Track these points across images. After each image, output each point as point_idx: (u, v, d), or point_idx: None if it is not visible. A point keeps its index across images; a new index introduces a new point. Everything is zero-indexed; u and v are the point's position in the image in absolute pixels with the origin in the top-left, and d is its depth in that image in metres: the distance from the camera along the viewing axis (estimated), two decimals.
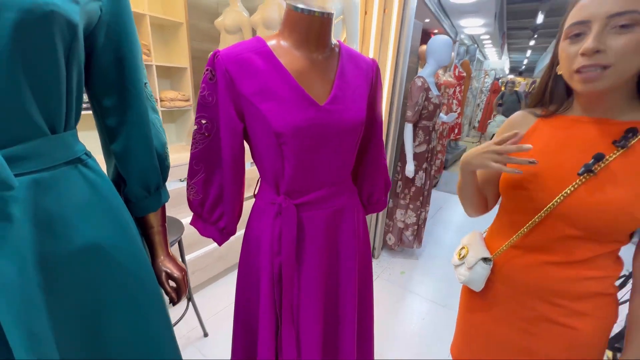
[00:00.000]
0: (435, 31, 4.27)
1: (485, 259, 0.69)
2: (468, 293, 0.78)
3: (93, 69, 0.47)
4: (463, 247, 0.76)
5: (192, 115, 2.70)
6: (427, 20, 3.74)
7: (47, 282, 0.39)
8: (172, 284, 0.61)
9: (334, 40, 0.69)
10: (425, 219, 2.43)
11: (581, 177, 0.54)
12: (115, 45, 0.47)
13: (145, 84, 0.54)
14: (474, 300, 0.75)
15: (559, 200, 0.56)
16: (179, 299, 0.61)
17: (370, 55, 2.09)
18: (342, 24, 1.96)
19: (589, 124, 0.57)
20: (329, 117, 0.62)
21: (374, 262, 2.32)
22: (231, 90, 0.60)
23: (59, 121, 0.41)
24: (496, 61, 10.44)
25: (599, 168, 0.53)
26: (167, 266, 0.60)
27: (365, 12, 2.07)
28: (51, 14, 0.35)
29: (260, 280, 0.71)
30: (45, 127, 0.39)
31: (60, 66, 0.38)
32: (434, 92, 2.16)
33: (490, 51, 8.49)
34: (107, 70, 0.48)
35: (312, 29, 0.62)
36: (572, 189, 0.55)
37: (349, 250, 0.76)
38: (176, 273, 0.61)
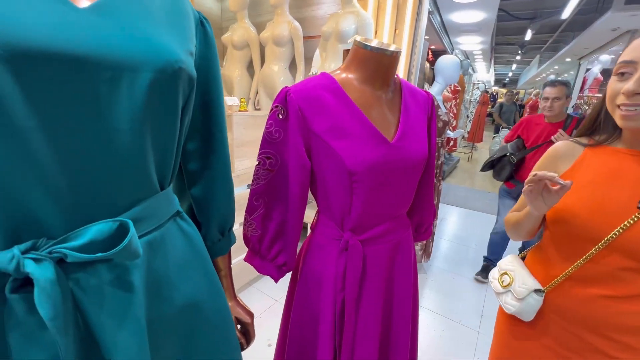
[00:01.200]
0: (432, 47, 4.40)
1: (537, 291, 0.67)
2: (511, 319, 0.76)
3: (187, 112, 0.45)
4: (505, 274, 0.73)
5: None
6: (426, 37, 3.87)
7: (152, 347, 0.36)
8: (239, 328, 0.59)
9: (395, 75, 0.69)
10: (433, 233, 2.45)
11: None
12: (204, 89, 0.46)
13: (225, 126, 0.52)
14: (520, 328, 0.73)
15: (618, 233, 0.55)
16: (248, 345, 0.58)
17: None
18: None
19: (638, 157, 0.58)
20: (398, 153, 0.62)
21: None
22: (302, 128, 0.59)
23: (167, 176, 0.38)
24: (484, 74, 10.81)
25: None
26: (237, 311, 0.57)
27: (376, 32, 2.11)
28: (179, 71, 0.33)
29: (320, 317, 0.69)
30: (157, 184, 0.37)
31: (177, 122, 0.36)
32: (442, 109, 2.20)
33: (480, 65, 8.80)
34: (194, 114, 0.46)
35: (380, 67, 0.62)
36: (632, 221, 0.54)
37: (405, 283, 0.75)
38: (246, 318, 0.58)
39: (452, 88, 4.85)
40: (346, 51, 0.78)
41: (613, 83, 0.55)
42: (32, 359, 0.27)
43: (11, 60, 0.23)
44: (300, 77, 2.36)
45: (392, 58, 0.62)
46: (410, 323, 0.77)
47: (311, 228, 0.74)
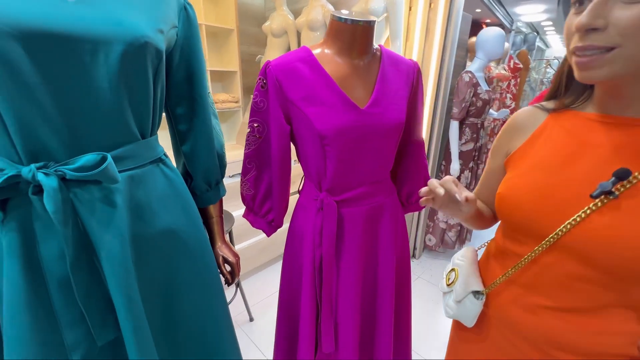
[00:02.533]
0: (488, 21, 4.00)
1: (475, 293, 0.56)
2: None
3: (169, 84, 0.57)
4: (453, 270, 0.63)
5: (241, 116, 2.88)
6: (478, 11, 3.52)
7: (137, 259, 0.48)
8: (227, 267, 0.70)
9: (375, 45, 0.72)
10: None
11: (596, 201, 0.40)
12: (187, 64, 0.56)
13: (208, 93, 0.63)
14: (465, 329, 0.62)
15: (564, 230, 0.42)
16: (233, 281, 0.70)
17: (415, 51, 2.05)
18: (386, 22, 1.96)
19: (611, 126, 0.43)
20: (370, 119, 0.66)
21: (414, 263, 2.28)
22: (280, 96, 0.67)
23: (147, 129, 0.50)
24: (561, 49, 9.40)
25: (622, 189, 0.39)
26: (224, 251, 0.69)
27: (410, 8, 2.04)
28: (145, 45, 0.44)
29: (302, 271, 0.78)
30: (138, 134, 0.49)
31: (150, 85, 0.47)
32: (484, 87, 2.05)
33: (553, 38, 7.68)
34: (180, 84, 0.57)
35: (355, 37, 0.66)
36: (583, 215, 0.41)
37: (387, 247, 0.79)
38: (231, 258, 0.69)
39: (512, 65, 4.38)
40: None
41: (569, 19, 0.40)
42: (55, 242, 0.41)
43: (20, 37, 0.36)
44: None
45: (365, 28, 0.65)
46: (392, 289, 0.81)
47: (298, 191, 0.82)
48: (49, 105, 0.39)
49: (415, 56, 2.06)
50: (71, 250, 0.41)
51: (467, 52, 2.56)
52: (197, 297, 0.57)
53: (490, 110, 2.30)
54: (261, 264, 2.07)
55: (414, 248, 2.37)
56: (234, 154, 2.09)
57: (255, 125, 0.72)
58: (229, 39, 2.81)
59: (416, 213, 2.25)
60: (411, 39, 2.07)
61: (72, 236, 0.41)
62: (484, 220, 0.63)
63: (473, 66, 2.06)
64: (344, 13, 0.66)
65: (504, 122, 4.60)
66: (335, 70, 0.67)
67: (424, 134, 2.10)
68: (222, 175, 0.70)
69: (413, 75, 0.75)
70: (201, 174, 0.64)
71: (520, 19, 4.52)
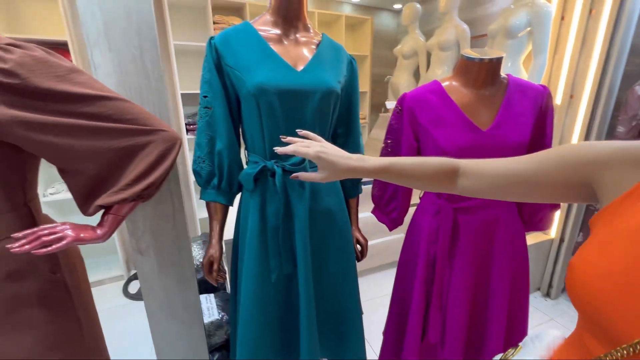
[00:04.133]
0: None
1: None
2: None
3: (336, 112, 0.85)
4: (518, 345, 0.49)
5: (367, 132, 3.18)
6: None
7: (309, 224, 0.77)
8: (358, 247, 0.94)
9: (503, 75, 0.82)
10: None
11: None
12: (349, 99, 0.83)
13: (359, 116, 0.89)
14: None
15: None
16: (362, 257, 0.92)
17: (565, 64, 1.85)
18: (528, 37, 1.86)
19: None
20: (491, 140, 0.77)
21: (549, 303, 2.00)
22: (412, 120, 0.86)
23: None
24: None
25: None
26: (357, 235, 0.93)
27: (563, 18, 1.86)
28: (331, 91, 0.72)
29: (417, 265, 0.93)
30: None
31: (330, 113, 0.76)
32: None
33: None
34: (343, 112, 0.84)
35: (481, 72, 0.79)
36: None
37: (502, 259, 0.85)
38: (362, 240, 0.92)
39: None
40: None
41: None
42: (273, 205, 0.74)
43: (277, 93, 0.68)
44: None
45: (492, 64, 0.77)
46: (506, 302, 0.85)
47: (419, 196, 0.98)
48: (283, 127, 0.71)
49: (565, 70, 1.86)
50: (282, 210, 0.73)
51: None
52: (339, 260, 0.82)
53: None
54: (374, 267, 2.26)
55: (549, 286, 2.07)
56: None
57: (389, 141, 0.94)
58: (363, 63, 3.18)
59: (556, 249, 1.98)
60: (561, 52, 1.88)
61: (284, 202, 0.73)
62: (437, 182, 0.55)
63: None
64: (473, 53, 0.80)
65: None
66: (461, 98, 0.81)
67: None
68: (361, 178, 0.94)
69: (542, 100, 0.80)
70: None
71: None
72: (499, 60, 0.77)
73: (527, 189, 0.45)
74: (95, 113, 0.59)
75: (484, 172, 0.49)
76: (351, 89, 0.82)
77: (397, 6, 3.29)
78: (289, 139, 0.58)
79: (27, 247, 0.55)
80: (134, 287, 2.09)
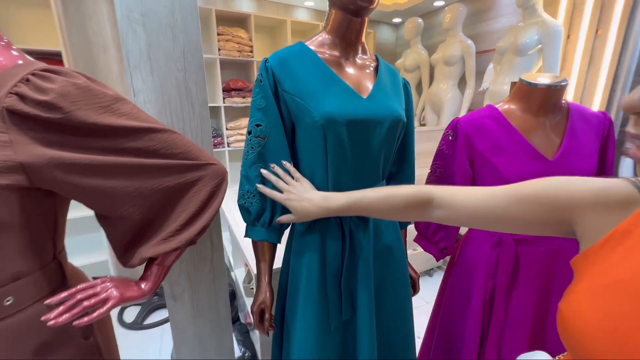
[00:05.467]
0: None
1: None
2: None
3: (399, 141, 0.77)
4: None
5: None
6: None
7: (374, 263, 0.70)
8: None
9: (562, 101, 0.79)
10: None
11: None
12: (407, 122, 0.77)
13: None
14: None
15: None
16: (414, 293, 0.85)
17: (572, 83, 1.89)
18: (538, 54, 1.89)
19: None
20: (559, 169, 0.73)
21: None
22: (468, 147, 0.81)
23: (385, 172, 0.73)
24: None
25: None
26: (409, 270, 0.86)
27: (569, 36, 1.90)
28: (399, 120, 0.66)
29: (470, 300, 0.87)
30: (381, 175, 0.71)
31: (395, 143, 0.70)
32: None
33: None
34: (401, 142, 0.78)
35: (544, 99, 0.75)
36: None
37: (563, 291, 0.81)
38: (414, 275, 0.86)
39: None
40: (513, 83, 0.92)
41: None
42: (334, 245, 0.66)
43: (345, 123, 0.61)
44: (469, 92, 2.41)
45: (556, 91, 0.74)
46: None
47: None
48: (350, 161, 0.64)
49: (572, 88, 1.90)
50: (347, 250, 0.65)
51: None
52: (397, 301, 0.75)
53: None
54: None
55: None
56: None
57: (439, 168, 0.88)
58: None
59: None
60: (567, 69, 1.92)
61: (349, 241, 0.66)
62: (406, 213, 0.55)
63: None
64: (534, 78, 0.76)
65: None
66: (522, 124, 0.77)
67: None
68: None
69: (604, 127, 0.78)
70: None
71: None
72: (563, 87, 0.74)
73: (503, 224, 0.45)
74: (142, 148, 0.51)
75: (460, 205, 0.49)
76: (408, 112, 0.76)
77: (397, 20, 3.32)
78: (264, 172, 0.64)
79: (66, 316, 0.45)
80: (129, 315, 1.93)
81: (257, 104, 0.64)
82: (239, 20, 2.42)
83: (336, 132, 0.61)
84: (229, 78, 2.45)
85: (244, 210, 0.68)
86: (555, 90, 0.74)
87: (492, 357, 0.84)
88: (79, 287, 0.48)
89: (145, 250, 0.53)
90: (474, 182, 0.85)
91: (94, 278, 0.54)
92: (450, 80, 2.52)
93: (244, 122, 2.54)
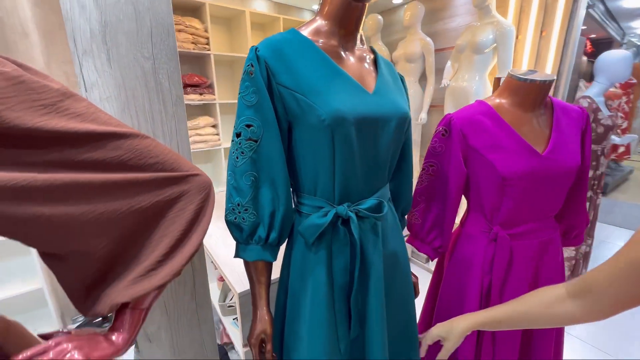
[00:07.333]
0: (592, 36, 3.69)
1: None
2: None
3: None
4: None
5: None
6: (583, 28, 3.30)
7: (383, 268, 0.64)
8: None
9: None
10: (587, 254, 2.14)
11: None
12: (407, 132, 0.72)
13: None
14: None
15: None
16: (416, 295, 0.82)
17: None
18: (493, 52, 2.00)
19: None
20: (550, 164, 0.74)
21: None
22: (463, 144, 0.79)
23: (390, 174, 0.67)
24: None
25: None
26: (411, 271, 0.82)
27: (517, 37, 2.04)
28: (406, 117, 0.61)
29: (466, 296, 0.86)
30: (387, 178, 0.65)
31: (401, 144, 0.64)
32: (605, 112, 1.92)
33: None
34: (402, 146, 0.73)
35: (532, 94, 0.76)
36: None
37: (550, 280, 0.83)
38: (413, 278, 0.82)
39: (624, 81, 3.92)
40: (497, 79, 0.93)
41: None
42: (342, 259, 0.59)
43: (354, 122, 0.54)
44: (430, 89, 2.49)
45: (544, 86, 0.75)
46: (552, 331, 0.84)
47: (460, 222, 0.92)
48: (358, 163, 0.57)
49: None
50: (357, 264, 0.58)
51: (578, 76, 2.42)
52: (402, 309, 0.71)
53: (612, 136, 2.12)
54: None
55: None
56: None
57: (431, 166, 0.86)
58: None
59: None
60: (517, 66, 2.06)
61: (359, 255, 0.58)
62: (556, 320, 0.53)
63: (591, 90, 1.95)
64: (522, 73, 0.76)
65: (628, 146, 4.04)
66: (513, 119, 0.77)
67: None
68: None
69: (583, 122, 0.81)
70: (400, 206, 0.79)
71: (634, 32, 4.05)
72: (550, 82, 0.75)
73: None
74: (105, 160, 0.38)
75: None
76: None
77: None
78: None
79: None
80: None
81: (246, 100, 0.54)
82: (192, 9, 2.20)
83: (344, 133, 0.53)
84: (184, 73, 2.22)
85: (234, 227, 0.58)
86: (545, 85, 0.75)
87: (488, 351, 0.85)
88: (21, 356, 0.34)
89: (116, 293, 0.41)
90: (467, 179, 0.84)
91: (42, 336, 0.40)
92: (412, 76, 2.58)
93: (202, 121, 2.33)
